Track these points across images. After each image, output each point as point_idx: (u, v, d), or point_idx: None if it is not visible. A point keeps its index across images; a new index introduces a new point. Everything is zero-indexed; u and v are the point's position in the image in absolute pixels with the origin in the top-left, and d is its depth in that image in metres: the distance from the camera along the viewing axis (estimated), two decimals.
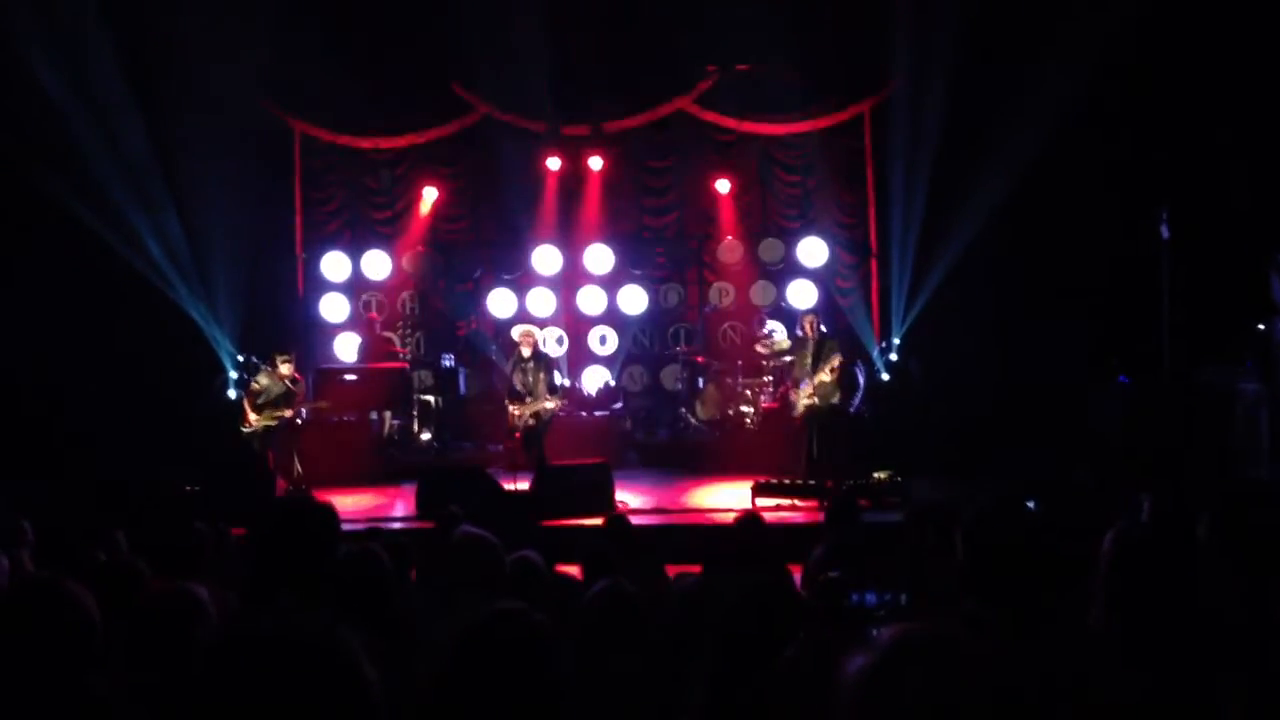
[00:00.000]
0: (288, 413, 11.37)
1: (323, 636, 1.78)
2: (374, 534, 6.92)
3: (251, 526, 3.56)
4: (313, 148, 14.79)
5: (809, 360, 11.67)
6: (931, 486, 10.37)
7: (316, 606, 3.01)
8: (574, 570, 5.59)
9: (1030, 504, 4.52)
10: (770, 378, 13.32)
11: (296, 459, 11.36)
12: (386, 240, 15.01)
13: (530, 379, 11.76)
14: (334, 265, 14.82)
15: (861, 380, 12.07)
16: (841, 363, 11.54)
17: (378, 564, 3.34)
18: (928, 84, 12.75)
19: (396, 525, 9.90)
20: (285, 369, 11.50)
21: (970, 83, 12.43)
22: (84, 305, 12.79)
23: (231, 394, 13.17)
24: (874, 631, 2.14)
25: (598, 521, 9.46)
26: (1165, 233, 10.42)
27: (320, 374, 13.43)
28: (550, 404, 11.71)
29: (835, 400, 11.56)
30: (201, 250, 13.43)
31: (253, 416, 11.34)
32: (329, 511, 3.30)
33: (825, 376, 11.45)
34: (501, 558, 3.93)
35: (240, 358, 12.58)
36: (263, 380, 11.48)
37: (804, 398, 11.54)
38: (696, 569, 5.59)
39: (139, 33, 12.28)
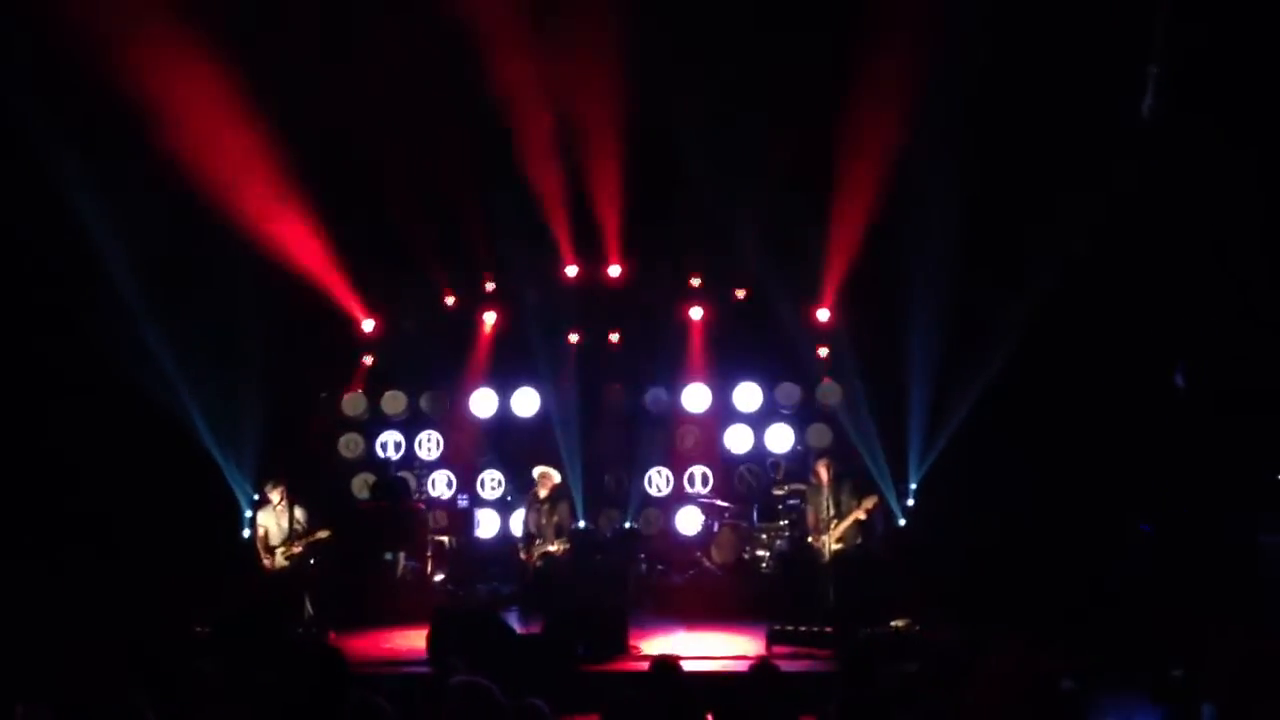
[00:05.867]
0: (296, 549, 11.27)
1: None
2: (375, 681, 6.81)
3: (261, 672, 3.55)
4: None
5: (828, 505, 11.59)
6: (951, 637, 10.18)
7: None
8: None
9: None
10: (786, 522, 13.21)
11: (308, 600, 11.22)
12: (405, 380, 15.11)
13: (544, 520, 11.75)
14: (353, 404, 14.95)
15: (879, 525, 11.96)
16: (877, 502, 11.48)
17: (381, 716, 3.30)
18: (946, 232, 12.88)
19: (407, 670, 9.76)
20: (275, 497, 11.35)
21: (989, 229, 12.57)
22: (104, 437, 12.83)
23: (246, 533, 13.10)
24: None
25: (613, 668, 9.42)
26: (1180, 381, 10.44)
27: (335, 513, 13.31)
28: (553, 548, 11.69)
29: (860, 542, 11.46)
30: (224, 388, 13.47)
31: (265, 561, 11.25)
32: (338, 659, 3.27)
33: (861, 515, 11.39)
34: (498, 707, 3.87)
35: (256, 496, 12.55)
36: (266, 521, 11.41)
37: (832, 542, 11.45)
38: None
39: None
